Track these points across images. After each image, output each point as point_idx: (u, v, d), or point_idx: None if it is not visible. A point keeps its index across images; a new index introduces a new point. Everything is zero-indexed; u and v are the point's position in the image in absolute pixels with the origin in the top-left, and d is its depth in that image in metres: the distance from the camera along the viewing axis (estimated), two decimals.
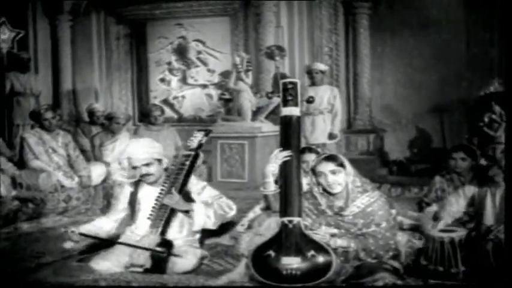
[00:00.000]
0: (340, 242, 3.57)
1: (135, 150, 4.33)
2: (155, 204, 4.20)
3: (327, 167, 3.65)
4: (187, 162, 4.32)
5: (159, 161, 4.37)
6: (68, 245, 4.18)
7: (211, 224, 4.29)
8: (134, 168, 4.34)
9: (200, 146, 4.45)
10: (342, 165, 3.67)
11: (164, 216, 4.15)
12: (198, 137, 4.47)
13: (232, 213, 4.44)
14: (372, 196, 3.69)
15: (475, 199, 4.17)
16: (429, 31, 9.18)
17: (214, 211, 4.28)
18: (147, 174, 4.31)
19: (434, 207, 4.39)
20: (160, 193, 4.22)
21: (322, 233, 3.58)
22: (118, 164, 4.60)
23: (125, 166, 4.53)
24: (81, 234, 4.15)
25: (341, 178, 3.65)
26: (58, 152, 6.68)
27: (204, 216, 4.23)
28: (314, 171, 3.72)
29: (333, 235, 3.60)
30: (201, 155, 7.19)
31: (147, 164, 4.30)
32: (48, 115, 6.68)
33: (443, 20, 9.16)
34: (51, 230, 5.60)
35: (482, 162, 5.74)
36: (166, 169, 4.41)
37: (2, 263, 4.44)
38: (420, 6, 9.28)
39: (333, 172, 3.64)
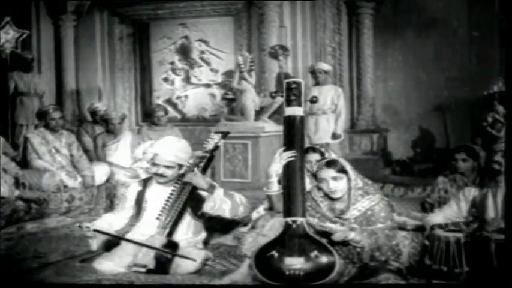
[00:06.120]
0: (353, 235, 3.54)
1: (165, 149, 4.27)
2: (165, 204, 4.17)
3: (329, 173, 3.65)
4: (201, 164, 4.30)
5: (181, 166, 4.32)
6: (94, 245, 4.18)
7: (228, 212, 4.19)
8: (154, 164, 4.30)
9: (216, 148, 4.42)
10: (343, 170, 3.67)
11: (174, 217, 4.13)
12: (214, 139, 4.44)
13: (242, 207, 4.35)
14: (373, 199, 3.68)
15: (476, 201, 4.15)
16: (432, 31, 9.17)
17: (232, 199, 4.22)
18: (161, 175, 4.29)
19: (435, 216, 4.31)
20: (171, 194, 4.19)
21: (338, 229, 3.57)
22: (135, 156, 4.55)
23: (143, 157, 4.44)
24: (96, 230, 4.13)
25: (342, 184, 3.65)
26: (61, 152, 6.69)
27: (219, 200, 4.15)
28: (316, 177, 3.72)
29: (351, 229, 3.58)
30: None
31: (168, 167, 4.27)
32: (56, 115, 6.72)
33: (446, 20, 9.14)
34: (54, 230, 5.60)
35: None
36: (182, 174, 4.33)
37: (4, 263, 4.44)
38: (423, 6, 9.26)
39: (335, 178, 3.65)
